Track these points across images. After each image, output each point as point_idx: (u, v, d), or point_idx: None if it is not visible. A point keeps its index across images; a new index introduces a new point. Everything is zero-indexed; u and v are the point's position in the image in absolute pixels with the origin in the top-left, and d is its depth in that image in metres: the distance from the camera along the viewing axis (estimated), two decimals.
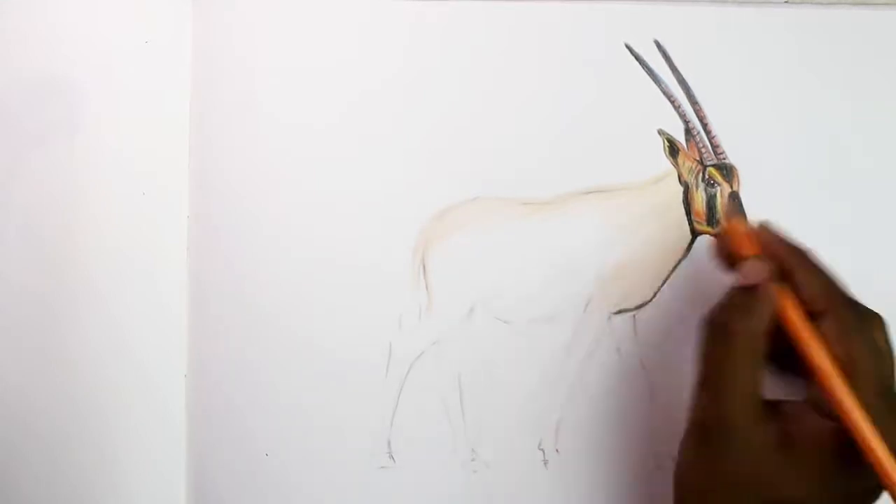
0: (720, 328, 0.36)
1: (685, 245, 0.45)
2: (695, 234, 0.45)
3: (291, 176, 0.46)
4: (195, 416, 0.46)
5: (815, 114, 0.45)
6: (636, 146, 0.45)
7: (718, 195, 0.45)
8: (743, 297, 0.36)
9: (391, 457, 0.45)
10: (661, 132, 0.45)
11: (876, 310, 0.37)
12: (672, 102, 0.45)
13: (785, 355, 0.36)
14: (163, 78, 0.46)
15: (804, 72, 0.45)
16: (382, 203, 0.46)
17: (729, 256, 0.38)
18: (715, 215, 0.45)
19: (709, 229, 0.45)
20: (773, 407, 0.35)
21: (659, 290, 0.45)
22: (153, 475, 0.46)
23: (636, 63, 0.45)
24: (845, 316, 0.36)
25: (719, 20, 0.45)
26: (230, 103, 0.46)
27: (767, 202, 0.45)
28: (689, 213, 0.45)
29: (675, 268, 0.45)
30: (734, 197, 0.45)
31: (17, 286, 0.46)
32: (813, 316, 0.36)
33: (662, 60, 0.45)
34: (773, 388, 0.37)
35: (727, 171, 0.45)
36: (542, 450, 0.45)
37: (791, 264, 0.37)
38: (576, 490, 0.45)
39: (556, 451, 0.45)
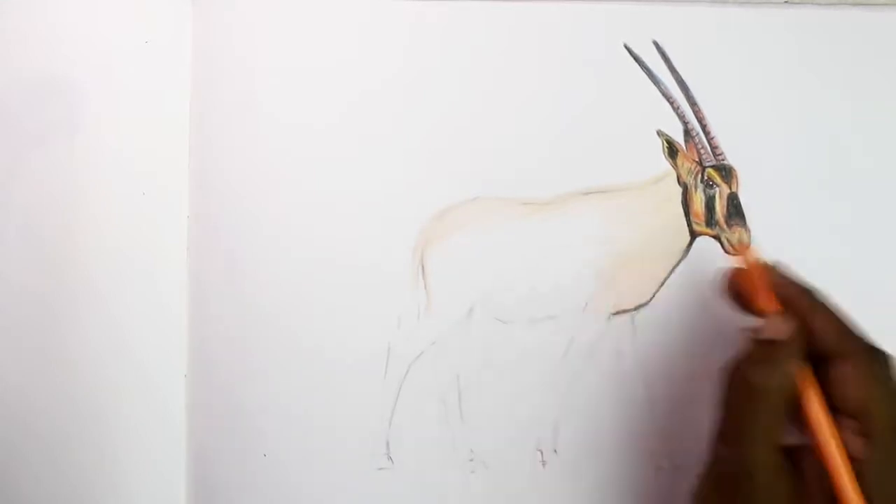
0: (747, 383, 0.36)
1: (684, 246, 0.45)
2: (694, 235, 0.45)
3: (291, 176, 0.46)
4: (195, 416, 0.46)
5: (815, 114, 0.45)
6: (635, 147, 0.45)
7: (717, 196, 0.45)
8: (769, 351, 0.36)
9: (390, 457, 0.45)
10: (660, 133, 0.45)
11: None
12: (671, 103, 0.45)
13: None
14: (163, 78, 0.47)
15: (804, 72, 0.45)
16: (382, 203, 0.46)
17: (740, 297, 0.38)
18: (714, 216, 0.45)
19: (708, 230, 0.45)
20: (790, 454, 0.35)
21: (658, 290, 0.45)
22: (153, 475, 0.46)
23: (635, 64, 0.45)
24: (861, 360, 0.36)
25: (718, 21, 0.45)
26: (230, 103, 0.46)
27: (767, 203, 0.45)
28: (687, 214, 0.45)
29: (673, 268, 0.45)
30: (733, 198, 0.45)
31: (17, 286, 0.46)
32: (827, 360, 0.36)
33: (661, 61, 0.45)
34: None
35: (726, 173, 0.45)
36: (541, 450, 0.45)
37: (804, 308, 0.37)
38: (574, 490, 0.45)
39: (555, 451, 0.45)
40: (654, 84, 0.45)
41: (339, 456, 0.45)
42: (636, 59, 0.45)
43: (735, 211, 0.45)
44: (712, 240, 0.45)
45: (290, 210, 0.46)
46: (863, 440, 0.34)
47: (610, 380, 0.45)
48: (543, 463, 0.45)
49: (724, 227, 0.45)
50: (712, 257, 0.44)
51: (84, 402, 0.46)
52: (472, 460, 0.45)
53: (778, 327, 0.36)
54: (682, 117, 0.45)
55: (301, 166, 0.46)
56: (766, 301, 0.37)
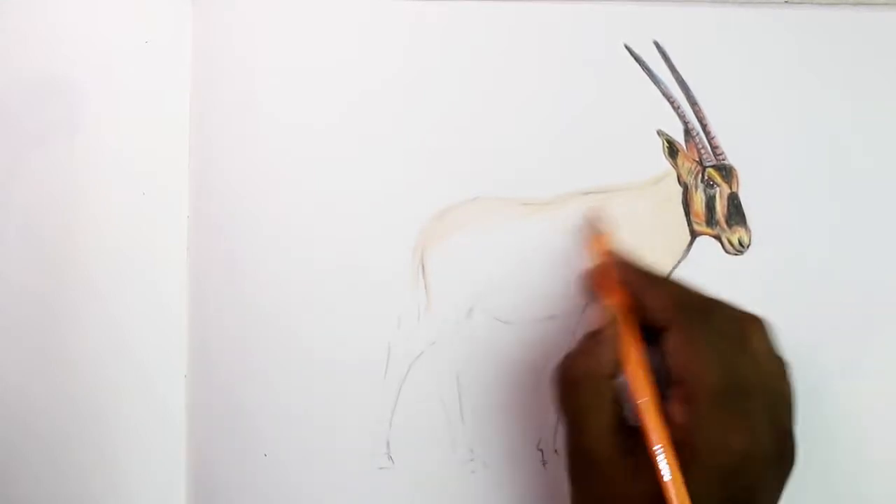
0: (566, 375, 0.38)
1: (684, 246, 0.45)
2: (694, 235, 0.45)
3: (291, 176, 0.46)
4: (195, 416, 0.46)
5: (815, 115, 0.45)
6: (635, 147, 0.45)
7: (718, 196, 0.45)
8: (587, 343, 0.38)
9: (390, 457, 0.45)
10: (660, 133, 0.45)
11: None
12: (671, 103, 0.45)
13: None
14: (163, 78, 0.47)
15: (804, 72, 0.45)
16: (382, 203, 0.46)
17: (592, 290, 0.41)
18: (714, 216, 0.45)
19: (708, 230, 0.45)
20: (634, 433, 0.36)
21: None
22: (153, 475, 0.46)
23: (636, 64, 0.45)
24: (686, 327, 0.36)
25: (719, 21, 0.45)
26: (230, 103, 0.46)
27: (767, 203, 0.45)
28: (688, 213, 0.45)
29: (674, 268, 0.45)
30: (733, 198, 0.45)
31: (17, 286, 0.46)
32: (660, 331, 0.37)
33: (662, 61, 0.45)
34: None
35: (726, 172, 0.45)
36: (541, 450, 0.45)
37: (639, 288, 0.39)
38: None
39: (555, 451, 0.45)
40: (655, 84, 0.45)
41: (340, 456, 0.45)
42: (637, 59, 0.45)
43: (735, 211, 0.45)
44: (713, 240, 0.45)
45: (290, 210, 0.46)
46: (685, 406, 0.35)
47: None
48: (544, 463, 0.45)
49: (725, 226, 0.45)
50: (713, 257, 0.45)
51: (84, 402, 0.46)
52: (472, 460, 0.45)
53: (601, 315, 0.39)
54: (682, 117, 0.45)
55: (301, 166, 0.46)
56: (610, 290, 0.39)
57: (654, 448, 0.35)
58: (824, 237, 0.45)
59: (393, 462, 0.45)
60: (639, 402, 0.36)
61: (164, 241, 0.46)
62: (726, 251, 0.45)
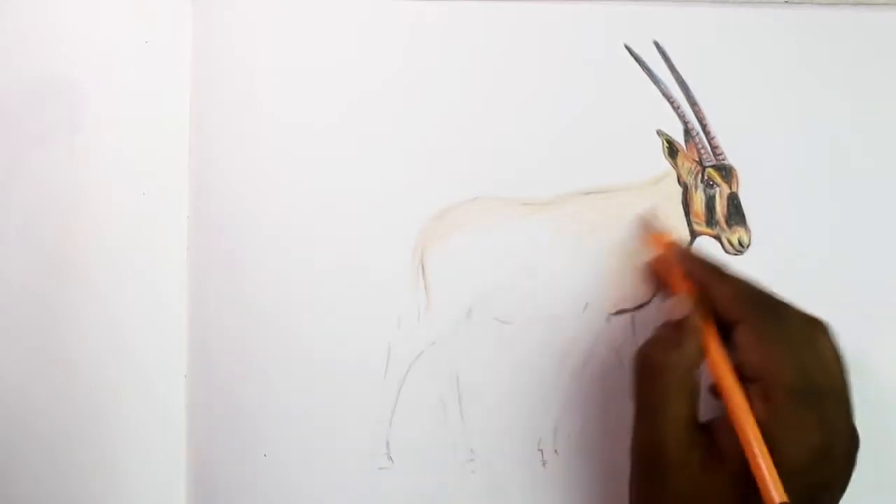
0: (650, 363, 0.37)
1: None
2: (694, 235, 0.45)
3: (291, 176, 0.46)
4: (195, 416, 0.46)
5: (815, 114, 0.45)
6: (635, 147, 0.45)
7: (717, 196, 0.45)
8: (671, 331, 0.38)
9: (390, 457, 0.45)
10: (660, 133, 0.45)
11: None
12: (671, 103, 0.45)
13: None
14: (163, 78, 0.46)
15: (804, 72, 0.45)
16: (382, 203, 0.46)
17: (659, 282, 0.41)
18: (714, 216, 0.45)
19: (708, 230, 0.45)
20: (705, 429, 0.36)
21: (657, 291, 0.45)
22: (153, 475, 0.46)
23: (635, 64, 0.45)
24: (759, 324, 0.37)
25: (719, 21, 0.45)
26: (230, 103, 0.46)
27: (767, 203, 0.45)
28: (688, 213, 0.45)
29: None
30: (733, 198, 0.45)
31: (17, 286, 0.46)
32: (730, 325, 0.37)
33: (662, 61, 0.45)
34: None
35: (726, 172, 0.45)
36: (541, 450, 0.45)
37: (706, 281, 0.39)
38: (574, 490, 0.45)
39: (555, 451, 0.45)
40: (655, 84, 0.45)
41: (340, 456, 0.45)
42: (636, 59, 0.45)
43: (735, 211, 0.45)
44: (713, 240, 0.45)
45: (290, 210, 0.46)
46: (764, 404, 0.35)
47: (610, 380, 0.45)
48: (544, 463, 0.45)
49: (725, 227, 0.45)
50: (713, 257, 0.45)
51: (84, 402, 0.46)
52: (472, 460, 0.45)
53: (678, 306, 0.38)
54: (682, 117, 0.45)
55: (301, 166, 0.46)
56: (678, 281, 0.40)
57: (747, 436, 0.35)
58: (824, 237, 0.45)
59: (393, 462, 0.45)
60: (726, 392, 0.36)
61: (164, 241, 0.46)
62: (726, 251, 0.45)
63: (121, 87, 0.46)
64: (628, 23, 0.45)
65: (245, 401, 0.46)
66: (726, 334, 0.38)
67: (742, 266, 0.44)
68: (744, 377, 0.36)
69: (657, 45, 0.45)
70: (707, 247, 0.45)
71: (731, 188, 0.45)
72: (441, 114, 0.46)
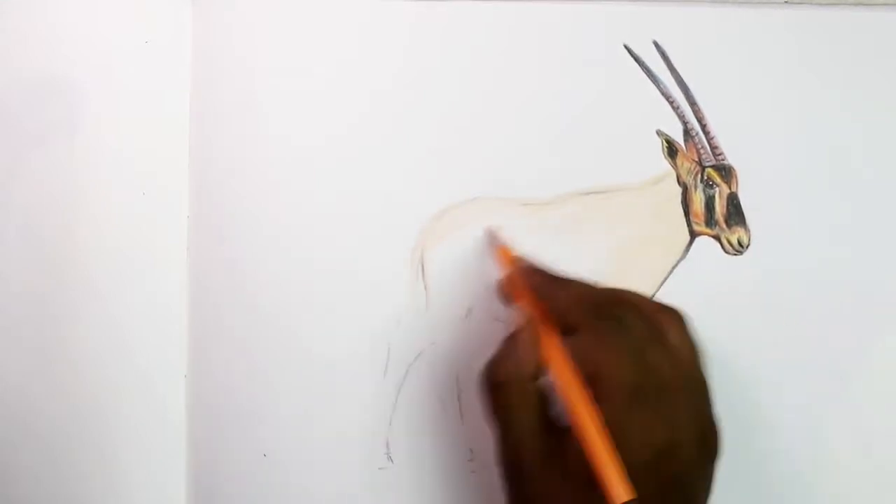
0: (491, 379, 0.38)
1: (684, 246, 0.45)
2: (693, 235, 0.45)
3: (291, 176, 0.46)
4: (195, 416, 0.46)
5: (815, 114, 0.45)
6: (635, 147, 0.45)
7: (717, 196, 0.45)
8: (507, 346, 0.38)
9: (389, 457, 0.45)
10: (659, 133, 0.45)
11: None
12: (671, 103, 0.45)
13: None
14: (163, 78, 0.47)
15: (803, 73, 0.45)
16: (382, 203, 0.46)
17: (508, 297, 0.41)
18: (713, 216, 0.45)
19: (707, 230, 0.45)
20: (562, 433, 0.36)
21: (657, 290, 0.45)
22: (153, 475, 0.46)
23: (635, 64, 0.45)
24: (595, 326, 0.37)
25: (718, 21, 0.45)
26: (230, 103, 0.46)
27: (766, 203, 0.45)
28: (687, 214, 0.45)
29: (673, 268, 0.45)
30: (733, 198, 0.45)
31: (17, 286, 0.46)
32: (571, 333, 0.37)
33: (661, 61, 0.45)
34: None
35: (726, 173, 0.45)
36: None
37: (547, 290, 0.39)
38: None
39: None
40: (654, 84, 0.45)
41: (339, 456, 0.45)
42: (636, 59, 0.45)
43: (735, 211, 0.45)
44: (712, 240, 0.45)
45: (290, 210, 0.46)
46: (604, 405, 0.35)
47: None
48: None
49: (724, 227, 0.45)
50: (712, 257, 0.45)
51: (84, 402, 0.46)
52: (471, 460, 0.45)
53: (515, 319, 0.39)
54: (681, 117, 0.45)
55: (301, 166, 0.46)
56: (523, 294, 0.40)
57: (585, 437, 0.34)
58: (823, 237, 0.45)
59: (392, 462, 0.45)
60: (564, 396, 0.36)
61: (164, 241, 0.46)
62: (725, 251, 0.45)
63: (121, 87, 0.46)
64: (628, 23, 0.45)
65: (245, 401, 0.46)
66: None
67: (741, 266, 0.44)
68: (587, 381, 0.36)
69: (657, 45, 0.45)
70: (706, 247, 0.45)
71: (730, 188, 0.45)
72: (440, 114, 0.46)
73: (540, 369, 0.37)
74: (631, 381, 0.35)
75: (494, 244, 0.44)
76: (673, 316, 0.37)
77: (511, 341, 0.38)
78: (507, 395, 0.37)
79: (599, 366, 0.36)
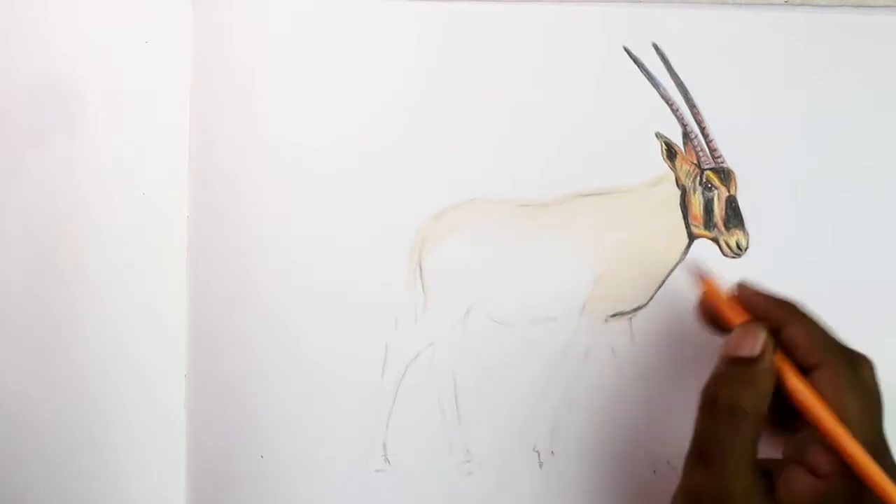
0: (726, 402, 0.35)
1: (682, 249, 0.45)
2: (692, 237, 0.45)
3: (290, 176, 0.46)
4: (195, 416, 0.46)
5: (814, 117, 0.45)
6: (634, 149, 0.45)
7: (716, 199, 0.45)
8: (743, 370, 0.36)
9: (387, 459, 0.45)
10: (658, 135, 0.45)
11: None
12: (670, 106, 0.45)
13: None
14: (163, 78, 0.47)
15: (803, 75, 0.45)
16: (380, 203, 0.46)
17: (715, 321, 0.39)
18: (712, 219, 0.45)
19: (706, 233, 0.45)
20: (764, 470, 0.35)
21: (655, 293, 0.45)
22: (153, 475, 0.46)
23: (634, 66, 0.45)
24: (838, 366, 0.36)
25: (718, 23, 0.45)
26: (230, 103, 0.46)
27: (765, 206, 0.45)
28: (686, 216, 0.45)
29: (671, 271, 0.45)
30: (731, 201, 0.45)
31: (17, 286, 0.46)
32: (806, 369, 0.36)
33: (661, 63, 0.45)
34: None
35: (725, 175, 0.45)
36: (538, 451, 0.45)
37: (780, 320, 0.37)
38: (571, 492, 0.45)
39: (552, 452, 0.45)
40: (654, 86, 0.45)
41: (337, 457, 0.45)
42: (635, 61, 0.45)
43: (733, 214, 0.45)
44: (711, 242, 0.45)
45: (289, 210, 0.46)
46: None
47: (607, 382, 0.45)
48: (540, 464, 0.45)
49: (723, 229, 0.45)
50: (711, 260, 0.44)
51: (84, 403, 0.46)
52: (469, 461, 0.45)
53: (750, 342, 0.36)
54: (680, 120, 0.45)
55: (300, 166, 0.46)
56: (736, 316, 0.37)
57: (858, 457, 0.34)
58: (822, 240, 0.45)
59: (389, 463, 0.45)
60: (828, 429, 0.35)
61: (164, 241, 0.47)
62: (724, 254, 0.45)
63: (121, 87, 0.46)
64: (627, 25, 0.45)
65: (244, 401, 0.46)
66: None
67: (740, 269, 0.44)
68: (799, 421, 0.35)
69: (656, 47, 0.45)
70: (705, 250, 0.45)
71: (729, 191, 0.45)
72: (439, 115, 0.46)
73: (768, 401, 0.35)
74: (869, 423, 0.35)
75: (700, 278, 0.40)
76: (868, 363, 0.37)
77: (745, 365, 0.36)
78: (742, 423, 0.35)
79: (847, 405, 0.35)
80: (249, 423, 0.46)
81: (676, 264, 0.45)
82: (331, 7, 0.46)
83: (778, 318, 0.37)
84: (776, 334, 0.36)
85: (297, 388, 0.45)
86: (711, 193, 0.45)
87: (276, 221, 0.46)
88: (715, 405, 0.36)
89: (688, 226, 0.45)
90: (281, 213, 0.46)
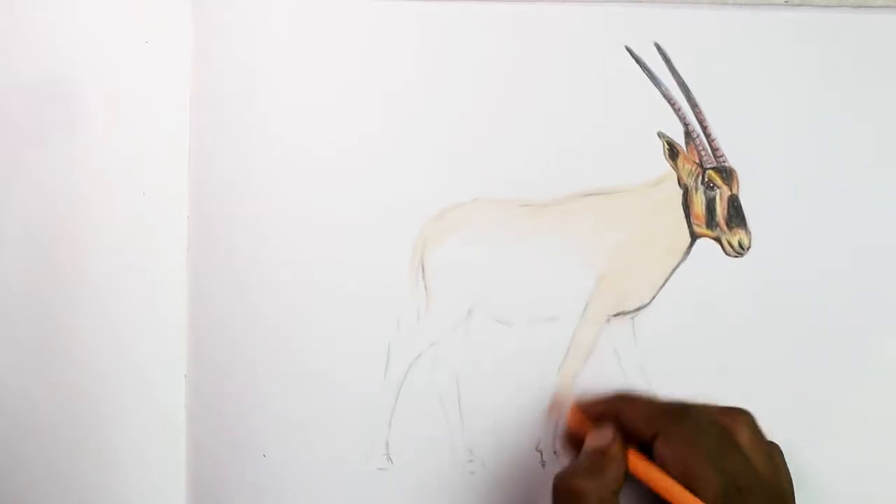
0: (573, 490, 0.38)
1: (684, 248, 0.45)
2: (694, 237, 0.45)
3: (291, 176, 0.46)
4: (195, 416, 0.46)
5: (816, 116, 0.45)
6: (636, 148, 0.45)
7: (718, 198, 0.45)
8: (590, 459, 0.39)
9: (389, 458, 0.45)
10: (660, 135, 0.45)
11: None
12: (672, 105, 0.45)
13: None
14: (163, 78, 0.46)
15: (805, 74, 0.45)
16: (382, 204, 0.46)
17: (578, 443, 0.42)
18: (714, 218, 0.45)
19: (708, 232, 0.45)
20: None
21: (658, 292, 0.45)
22: (153, 475, 0.46)
23: (636, 65, 0.45)
24: (675, 433, 0.38)
25: (719, 23, 0.45)
26: (230, 103, 0.46)
27: (767, 205, 0.45)
28: (688, 215, 0.45)
29: (673, 271, 0.45)
30: (734, 200, 0.45)
31: (17, 286, 0.46)
32: (649, 442, 0.39)
33: (662, 63, 0.45)
34: None
35: (727, 175, 0.45)
36: (540, 451, 0.45)
37: (614, 410, 0.41)
38: None
39: (554, 452, 0.45)
40: (656, 86, 0.45)
41: (339, 457, 0.45)
42: (637, 60, 0.45)
43: (736, 213, 0.45)
44: (713, 242, 0.45)
45: (290, 210, 0.46)
46: None
47: (609, 382, 0.45)
48: (543, 464, 0.45)
49: (725, 229, 0.45)
50: (713, 259, 0.44)
51: (84, 402, 0.46)
52: (471, 461, 0.45)
53: (598, 436, 0.40)
54: (682, 119, 0.45)
55: (300, 166, 0.46)
56: (587, 426, 0.42)
57: None
58: (825, 239, 0.45)
59: (392, 463, 0.45)
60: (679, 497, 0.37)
61: (164, 241, 0.46)
62: (726, 253, 0.45)
63: (121, 87, 0.46)
64: (629, 24, 0.45)
65: (245, 401, 0.46)
66: (646, 451, 0.39)
67: (742, 268, 0.44)
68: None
69: (658, 46, 0.45)
70: (707, 249, 0.45)
71: (731, 190, 0.45)
72: (440, 115, 0.46)
73: (621, 484, 0.38)
74: (718, 486, 0.36)
75: (560, 409, 0.45)
76: (741, 417, 0.39)
77: (596, 454, 0.39)
78: None
79: (686, 473, 0.37)
80: (250, 423, 0.45)
81: (679, 264, 0.45)
82: (331, 7, 0.46)
83: (612, 408, 0.41)
84: (619, 423, 0.40)
85: (299, 387, 0.45)
86: (713, 193, 0.45)
87: (277, 221, 0.46)
88: (564, 492, 0.38)
89: (690, 225, 0.45)
90: (281, 213, 0.46)
